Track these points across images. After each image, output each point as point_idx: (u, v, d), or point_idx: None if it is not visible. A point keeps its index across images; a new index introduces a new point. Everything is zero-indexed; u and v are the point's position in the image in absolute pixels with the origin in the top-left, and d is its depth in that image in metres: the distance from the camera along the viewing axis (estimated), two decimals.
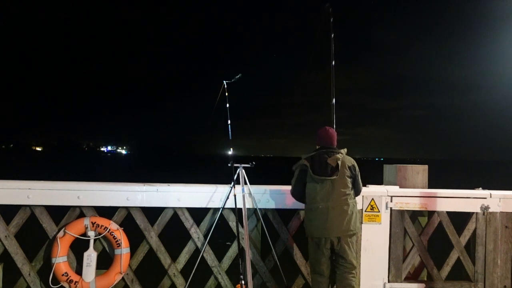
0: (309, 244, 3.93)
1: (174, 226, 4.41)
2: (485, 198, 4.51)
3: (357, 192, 3.94)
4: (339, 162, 3.74)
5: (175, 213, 4.38)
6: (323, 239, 3.74)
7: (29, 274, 4.15)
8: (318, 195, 3.76)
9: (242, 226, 4.12)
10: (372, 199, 4.37)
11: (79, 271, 4.09)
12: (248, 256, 4.02)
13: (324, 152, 3.84)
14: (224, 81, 4.29)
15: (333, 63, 4.52)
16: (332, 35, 4.04)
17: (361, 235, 4.37)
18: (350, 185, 3.81)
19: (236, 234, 4.28)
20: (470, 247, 4.64)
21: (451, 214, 4.57)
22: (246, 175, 4.24)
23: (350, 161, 3.84)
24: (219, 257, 4.41)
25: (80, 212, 4.26)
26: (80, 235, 4.08)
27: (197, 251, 4.35)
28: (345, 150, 3.95)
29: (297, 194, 3.99)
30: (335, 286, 3.94)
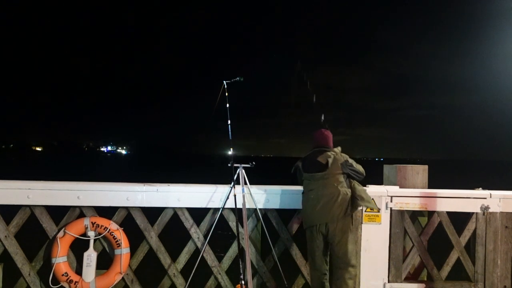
0: (307, 238, 4.02)
1: (174, 226, 4.41)
2: (485, 198, 4.51)
3: (359, 175, 4.04)
4: (330, 160, 3.91)
5: (175, 213, 4.37)
6: (315, 227, 3.85)
7: (29, 274, 4.15)
8: (309, 187, 3.97)
9: (242, 226, 4.12)
10: (372, 199, 4.37)
11: (79, 271, 4.09)
12: (248, 256, 4.02)
13: (316, 151, 4.07)
14: (224, 81, 4.29)
15: (323, 119, 4.49)
16: (308, 83, 4.24)
17: (361, 235, 4.37)
18: (342, 180, 3.93)
19: (236, 234, 4.28)
20: (470, 247, 4.64)
21: (451, 214, 4.57)
22: (246, 175, 4.24)
23: (343, 158, 3.98)
24: (219, 257, 4.41)
25: (80, 212, 4.26)
26: (80, 235, 4.08)
27: (197, 251, 4.35)
28: (339, 148, 4.11)
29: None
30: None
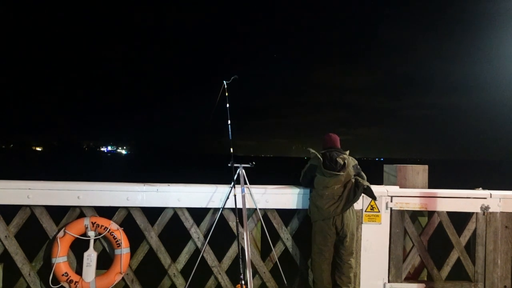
0: (315, 232, 4.15)
1: (174, 226, 4.41)
2: (485, 198, 4.51)
3: (364, 178, 4.31)
4: (346, 161, 4.16)
5: (175, 213, 4.38)
6: (331, 220, 4.05)
7: (29, 274, 4.15)
8: (324, 184, 4.12)
9: (242, 226, 4.12)
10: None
11: (79, 271, 4.09)
12: (248, 256, 4.02)
13: (333, 151, 4.26)
14: (224, 81, 4.29)
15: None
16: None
17: (361, 235, 4.37)
18: (353, 180, 4.22)
19: (236, 234, 4.28)
20: (470, 247, 4.64)
21: (451, 214, 4.57)
22: (246, 175, 4.24)
23: (353, 161, 4.28)
24: (219, 257, 4.41)
25: (80, 212, 4.26)
26: (80, 235, 4.08)
27: (197, 251, 4.35)
28: (348, 151, 4.33)
29: (305, 184, 4.39)
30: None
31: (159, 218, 4.38)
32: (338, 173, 4.09)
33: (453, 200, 4.49)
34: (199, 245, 4.35)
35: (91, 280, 4.02)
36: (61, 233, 4.05)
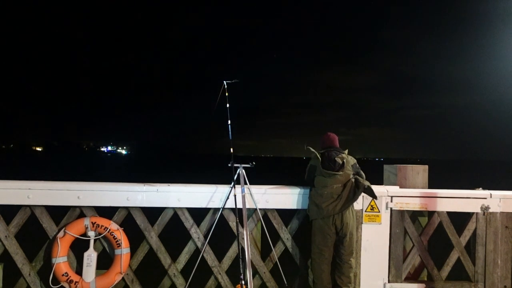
0: (315, 231, 4.15)
1: (174, 226, 4.41)
2: (485, 198, 4.51)
3: (363, 177, 4.30)
4: (345, 161, 4.17)
5: (175, 213, 4.38)
6: (331, 218, 4.05)
7: (29, 274, 4.15)
8: (323, 183, 4.14)
9: (242, 226, 4.12)
10: (372, 199, 4.37)
11: (79, 271, 4.09)
12: (248, 256, 4.02)
13: (331, 151, 4.26)
14: (225, 81, 4.29)
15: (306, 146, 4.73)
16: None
17: (361, 235, 4.37)
18: (353, 179, 4.21)
19: (236, 234, 4.29)
20: (470, 247, 4.64)
21: (451, 214, 4.57)
22: (246, 175, 4.25)
23: (352, 160, 4.28)
24: (219, 257, 4.41)
25: (80, 212, 4.26)
26: (80, 235, 4.08)
27: (197, 251, 4.35)
28: (347, 150, 4.32)
29: (309, 182, 4.36)
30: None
31: (159, 218, 4.38)
32: (337, 172, 4.09)
33: (453, 200, 4.49)
34: (199, 245, 4.35)
35: (91, 280, 4.02)
36: (61, 233, 4.05)
